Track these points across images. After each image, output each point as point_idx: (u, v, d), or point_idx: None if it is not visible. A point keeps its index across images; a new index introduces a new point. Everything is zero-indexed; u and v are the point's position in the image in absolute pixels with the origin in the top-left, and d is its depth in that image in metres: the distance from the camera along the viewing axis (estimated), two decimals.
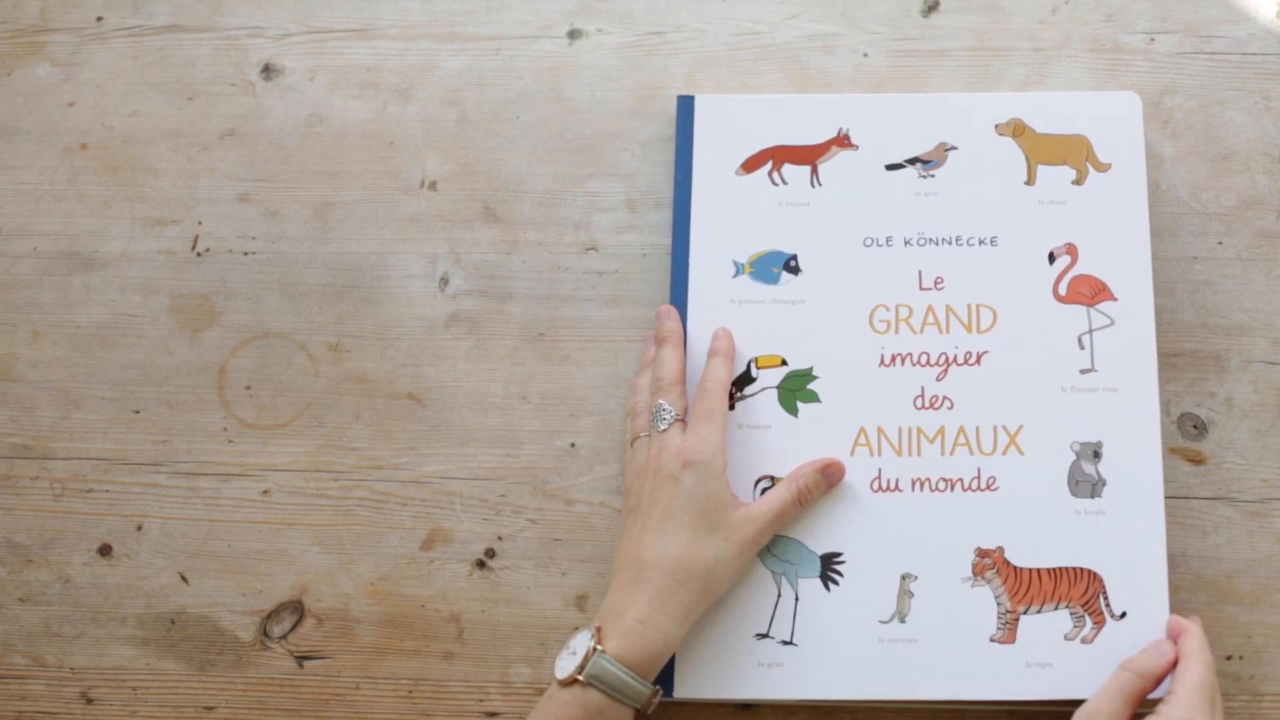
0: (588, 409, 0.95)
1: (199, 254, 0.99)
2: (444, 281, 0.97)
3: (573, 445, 0.94)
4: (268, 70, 1.02)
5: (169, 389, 0.96)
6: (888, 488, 0.89)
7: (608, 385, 0.95)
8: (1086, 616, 0.86)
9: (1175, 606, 0.89)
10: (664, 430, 0.86)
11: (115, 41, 1.03)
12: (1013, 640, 0.86)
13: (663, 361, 0.90)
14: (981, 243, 0.93)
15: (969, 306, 0.92)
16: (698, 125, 0.97)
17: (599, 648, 0.80)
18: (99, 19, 1.04)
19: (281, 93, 1.02)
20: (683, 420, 0.87)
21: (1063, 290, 0.92)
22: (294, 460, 0.95)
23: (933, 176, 0.95)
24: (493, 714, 0.90)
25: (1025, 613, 0.87)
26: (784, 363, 0.92)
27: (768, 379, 0.91)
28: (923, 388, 0.91)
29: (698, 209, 0.95)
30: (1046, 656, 0.86)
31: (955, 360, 0.91)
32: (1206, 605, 0.90)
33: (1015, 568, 0.87)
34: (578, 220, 0.98)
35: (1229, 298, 0.95)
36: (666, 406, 0.87)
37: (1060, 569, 0.87)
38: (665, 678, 0.86)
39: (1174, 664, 0.82)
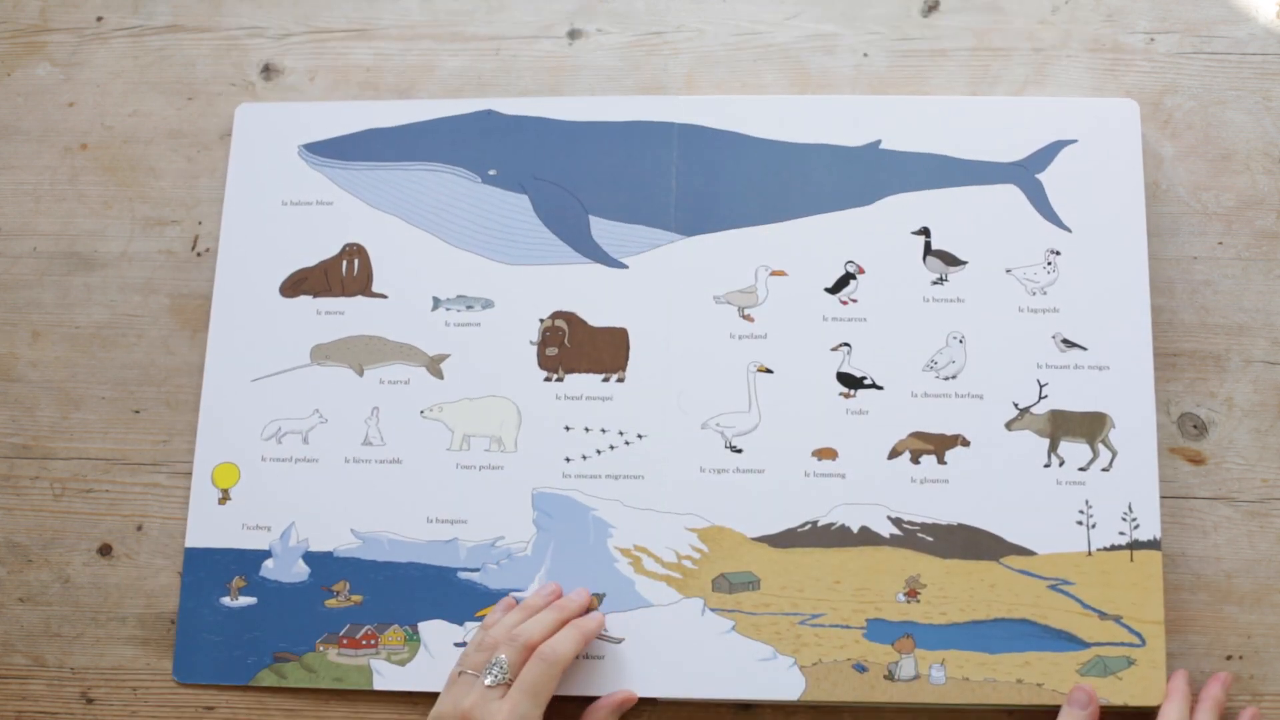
0: None
1: (199, 254, 0.99)
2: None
3: None
4: (268, 70, 1.02)
5: (169, 389, 0.96)
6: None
7: None
8: None
9: (1175, 606, 0.90)
10: (488, 686, 0.82)
11: (115, 41, 1.03)
12: None
13: (537, 622, 0.86)
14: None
15: None
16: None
17: None
18: (99, 19, 1.04)
19: (281, 93, 1.02)
20: (509, 685, 0.82)
21: None
22: None
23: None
24: None
25: None
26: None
27: None
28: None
29: None
30: None
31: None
32: (1206, 605, 0.90)
33: None
34: None
35: (1229, 298, 0.95)
36: (504, 663, 0.83)
37: None
38: None
39: None
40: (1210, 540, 0.91)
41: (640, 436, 0.92)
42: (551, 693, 0.83)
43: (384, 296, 0.96)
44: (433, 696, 0.90)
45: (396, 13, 1.03)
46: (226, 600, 0.92)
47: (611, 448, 0.92)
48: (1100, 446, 0.90)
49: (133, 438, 0.96)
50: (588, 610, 0.89)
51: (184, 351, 0.97)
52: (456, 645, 0.90)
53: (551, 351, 0.94)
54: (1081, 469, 0.90)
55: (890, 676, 0.88)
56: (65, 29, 1.04)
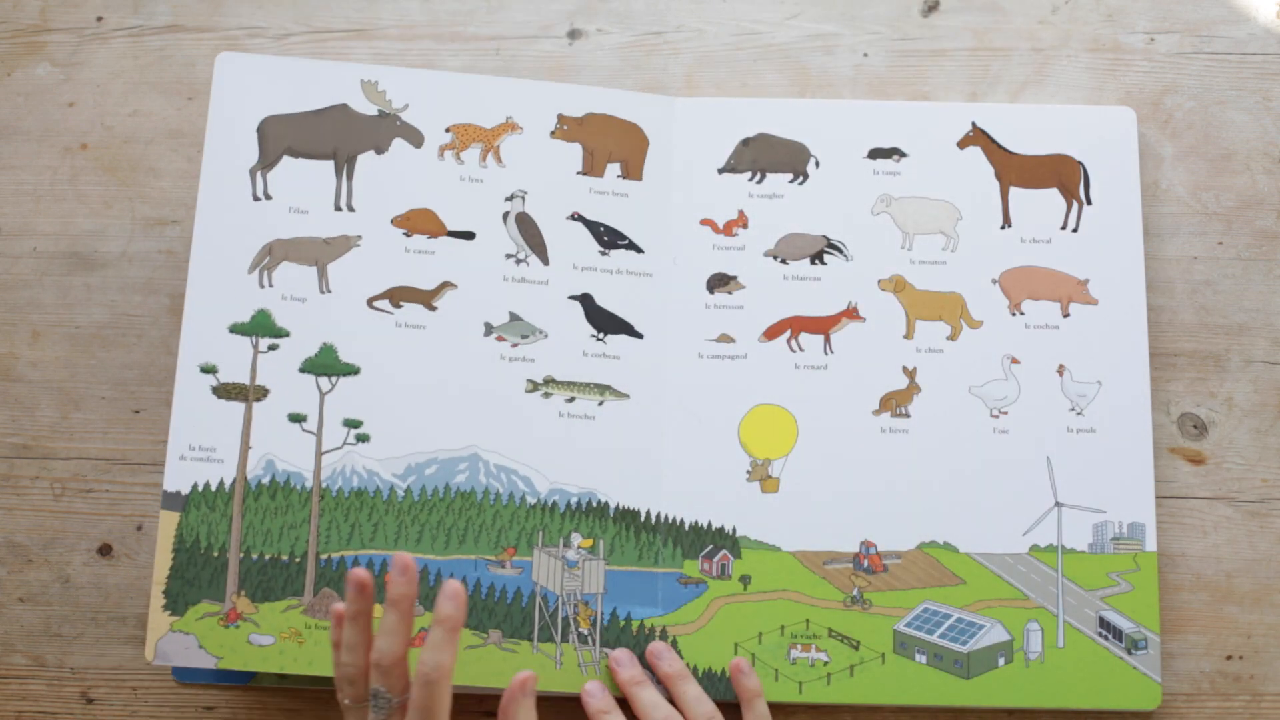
0: None
1: None
2: None
3: None
4: None
5: (169, 389, 0.96)
6: None
7: None
8: None
9: (1175, 607, 0.90)
10: None
11: (115, 41, 1.03)
12: None
13: (386, 634, 0.76)
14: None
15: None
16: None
17: None
18: (99, 19, 1.04)
19: None
20: (403, 705, 0.76)
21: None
22: None
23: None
24: (491, 714, 0.90)
25: None
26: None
27: None
28: None
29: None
30: None
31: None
32: (1206, 605, 0.90)
33: None
34: None
35: (1229, 298, 0.95)
36: (384, 693, 0.76)
37: None
38: None
39: None
40: (1210, 540, 0.91)
41: None
42: (449, 703, 0.76)
43: None
44: None
45: (396, 13, 1.03)
46: None
47: None
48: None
49: (133, 438, 0.96)
50: (414, 587, 0.78)
51: None
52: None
53: None
54: None
55: None
56: (65, 29, 1.04)
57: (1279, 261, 0.96)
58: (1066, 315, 0.93)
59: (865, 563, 0.90)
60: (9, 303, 0.99)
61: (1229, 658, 0.90)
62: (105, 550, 0.94)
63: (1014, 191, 0.95)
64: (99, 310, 0.98)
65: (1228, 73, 0.99)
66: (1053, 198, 0.95)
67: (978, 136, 0.96)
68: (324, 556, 0.89)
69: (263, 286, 0.92)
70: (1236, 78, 0.99)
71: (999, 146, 0.95)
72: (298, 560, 0.89)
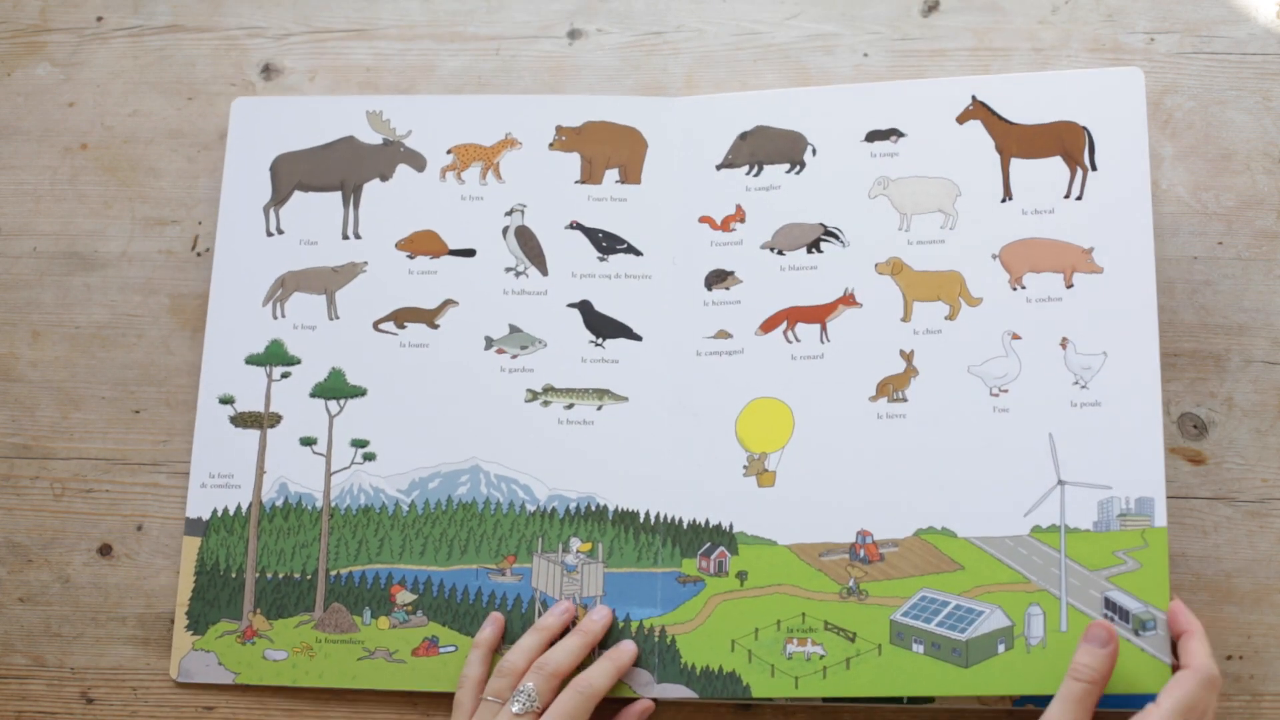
0: None
1: (199, 254, 0.99)
2: None
3: None
4: (268, 70, 1.02)
5: (169, 389, 0.96)
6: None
7: None
8: None
9: None
10: (516, 714, 0.82)
11: (115, 41, 1.03)
12: None
13: (564, 649, 0.86)
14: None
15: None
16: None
17: None
18: (99, 19, 1.04)
19: (281, 93, 1.02)
20: (537, 714, 0.83)
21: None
22: None
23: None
24: None
25: None
26: None
27: None
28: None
29: None
30: None
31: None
32: (1206, 605, 0.90)
33: None
34: None
35: (1229, 298, 0.95)
36: (533, 692, 0.83)
37: None
38: None
39: (1114, 660, 0.82)
40: (1210, 540, 0.91)
41: None
42: (588, 718, 0.84)
43: None
44: (431, 696, 0.90)
45: (396, 13, 1.03)
46: None
47: None
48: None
49: (133, 438, 0.96)
50: (607, 628, 0.89)
51: (184, 351, 0.97)
52: None
53: None
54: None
55: None
56: (65, 29, 1.04)
57: (1279, 261, 0.96)
58: (1070, 286, 0.91)
59: (861, 552, 0.89)
60: (9, 303, 0.99)
61: (1229, 658, 0.90)
62: (105, 550, 0.94)
63: (1015, 163, 0.94)
64: (99, 310, 0.98)
65: (1228, 73, 0.99)
66: (1055, 166, 0.94)
67: (978, 110, 0.95)
68: (333, 573, 0.92)
69: (276, 318, 0.95)
70: (1236, 78, 0.99)
71: (999, 118, 0.94)
72: (309, 577, 0.91)
